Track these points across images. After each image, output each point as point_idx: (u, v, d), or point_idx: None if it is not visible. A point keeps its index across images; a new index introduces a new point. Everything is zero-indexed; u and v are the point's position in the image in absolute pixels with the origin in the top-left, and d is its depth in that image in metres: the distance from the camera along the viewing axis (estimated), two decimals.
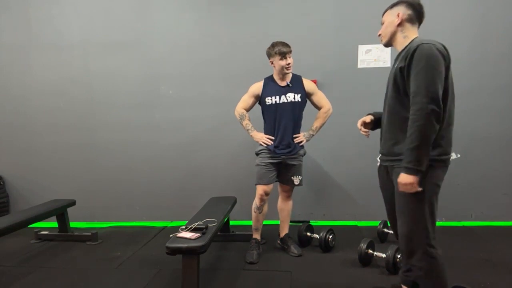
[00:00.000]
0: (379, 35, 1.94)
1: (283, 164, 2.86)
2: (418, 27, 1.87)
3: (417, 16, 1.83)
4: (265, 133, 2.88)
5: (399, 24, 1.83)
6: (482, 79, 3.47)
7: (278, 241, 3.10)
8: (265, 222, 3.07)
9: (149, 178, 3.92)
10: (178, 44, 3.76)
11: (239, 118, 2.93)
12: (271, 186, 2.88)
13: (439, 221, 3.62)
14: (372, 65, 3.57)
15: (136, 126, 3.88)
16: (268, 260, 2.82)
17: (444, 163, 1.75)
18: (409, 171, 1.65)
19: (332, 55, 3.60)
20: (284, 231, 3.06)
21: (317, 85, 3.58)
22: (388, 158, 1.89)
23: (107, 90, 3.87)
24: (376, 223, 3.24)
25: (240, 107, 2.93)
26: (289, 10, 3.60)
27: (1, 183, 4.04)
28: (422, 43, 1.66)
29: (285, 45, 2.71)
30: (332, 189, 3.75)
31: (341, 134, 3.66)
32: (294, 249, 2.91)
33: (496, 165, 3.55)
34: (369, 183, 3.70)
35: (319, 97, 2.90)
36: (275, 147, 2.81)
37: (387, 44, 1.92)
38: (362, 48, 3.56)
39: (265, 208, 2.96)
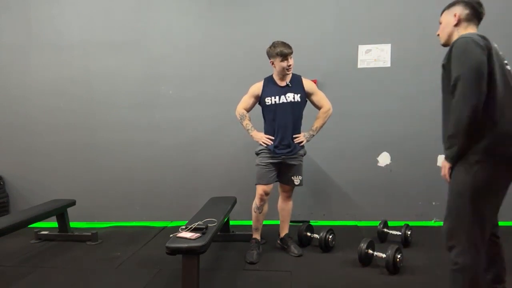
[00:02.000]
0: (438, 35, 1.92)
1: (283, 164, 2.86)
2: (477, 25, 1.84)
3: (475, 15, 1.80)
4: (265, 133, 2.88)
5: (456, 24, 1.82)
6: None
7: (278, 241, 3.10)
8: (265, 222, 3.07)
9: (149, 178, 3.92)
10: (178, 44, 3.76)
11: (239, 118, 2.94)
12: (271, 186, 2.88)
13: (438, 221, 3.63)
14: (372, 65, 3.57)
15: (136, 126, 3.88)
16: (268, 260, 2.82)
17: (494, 157, 1.62)
18: (445, 156, 1.71)
19: (332, 55, 3.60)
20: (284, 231, 3.06)
21: (317, 85, 3.58)
22: None
23: (107, 90, 3.88)
24: (376, 223, 3.24)
25: (240, 108, 2.93)
26: (289, 10, 3.60)
27: (1, 183, 4.04)
28: (459, 38, 1.65)
29: (287, 46, 2.71)
30: (332, 189, 3.75)
31: (342, 134, 3.66)
32: (294, 249, 2.91)
33: None
34: (369, 183, 3.71)
35: (319, 97, 2.90)
36: (275, 147, 2.81)
37: (445, 45, 1.88)
38: (362, 48, 3.56)
39: (265, 208, 2.96)
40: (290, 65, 2.72)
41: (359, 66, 3.59)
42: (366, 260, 2.62)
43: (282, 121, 2.79)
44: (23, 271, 2.73)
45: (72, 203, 3.44)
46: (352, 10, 3.55)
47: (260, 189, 2.86)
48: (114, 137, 3.91)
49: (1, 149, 4.08)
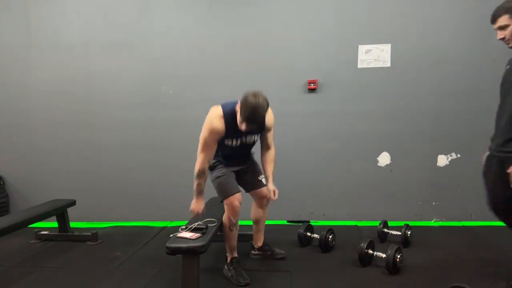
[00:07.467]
0: (503, 38, 2.06)
1: (241, 170, 2.68)
2: None
3: None
4: (215, 156, 2.55)
5: None
6: (482, 79, 3.47)
7: (255, 252, 2.89)
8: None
9: (149, 178, 3.92)
10: (178, 44, 3.76)
11: (198, 175, 2.49)
12: (240, 193, 2.60)
13: (438, 221, 3.63)
14: (372, 65, 3.57)
15: (136, 126, 3.88)
16: (268, 260, 2.82)
17: None
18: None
19: (332, 55, 3.59)
20: (261, 240, 2.88)
21: (317, 85, 3.59)
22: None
23: (107, 90, 3.87)
24: (376, 223, 3.24)
25: (204, 162, 2.46)
26: (289, 10, 3.60)
27: (1, 183, 4.04)
28: None
29: (257, 122, 2.20)
30: (332, 189, 3.75)
31: (341, 134, 3.66)
32: (278, 250, 2.83)
33: None
34: (369, 183, 3.71)
35: (271, 135, 2.60)
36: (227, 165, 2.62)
37: None
38: (362, 48, 3.56)
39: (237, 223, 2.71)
40: (247, 132, 2.33)
41: (359, 66, 3.59)
42: (366, 260, 2.62)
43: (237, 155, 2.61)
44: (23, 271, 2.73)
45: (72, 203, 3.44)
46: (352, 10, 3.55)
47: (233, 200, 2.50)
48: (114, 137, 3.91)
49: (1, 149, 4.08)
